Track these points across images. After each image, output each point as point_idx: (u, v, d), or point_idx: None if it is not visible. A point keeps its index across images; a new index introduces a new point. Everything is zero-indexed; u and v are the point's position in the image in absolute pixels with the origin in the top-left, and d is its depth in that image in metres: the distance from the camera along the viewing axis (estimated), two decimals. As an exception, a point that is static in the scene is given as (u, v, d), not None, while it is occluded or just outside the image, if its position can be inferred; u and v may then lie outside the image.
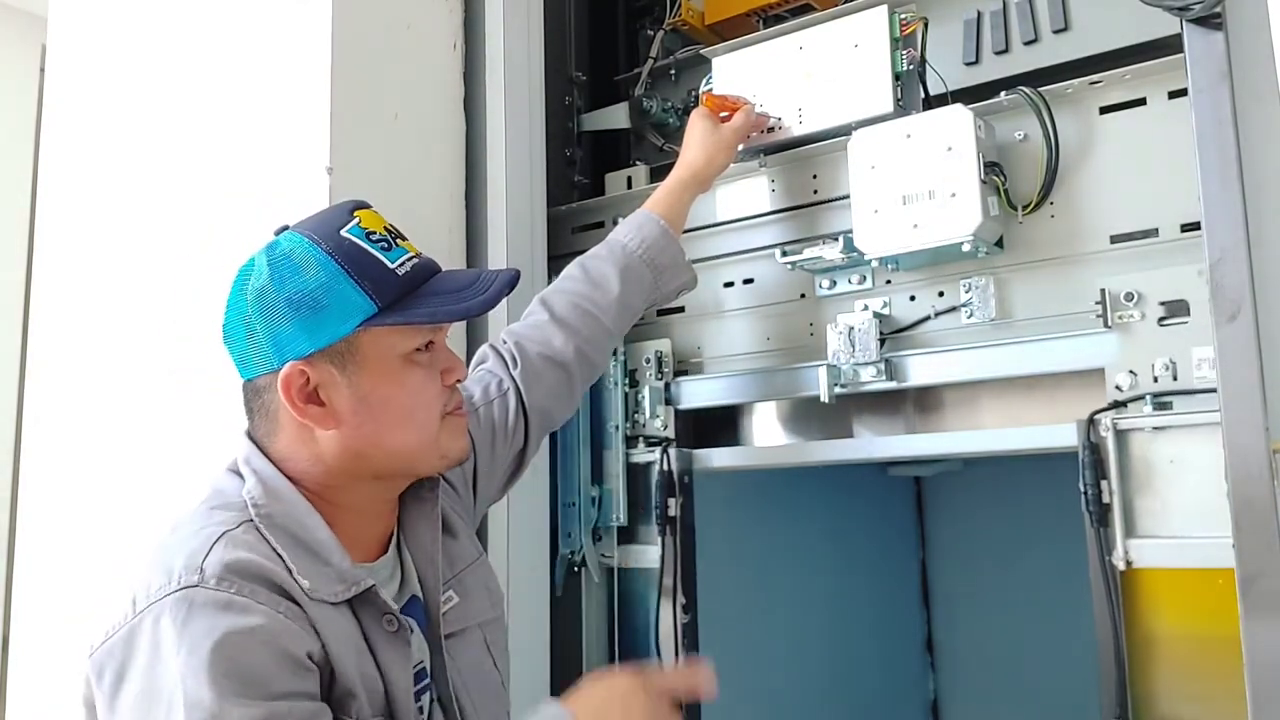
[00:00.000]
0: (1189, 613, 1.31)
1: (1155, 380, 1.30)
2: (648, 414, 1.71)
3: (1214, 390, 1.21)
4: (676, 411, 1.70)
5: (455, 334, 1.65)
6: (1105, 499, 1.31)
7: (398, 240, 1.06)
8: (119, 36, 1.90)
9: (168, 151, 1.76)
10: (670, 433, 1.69)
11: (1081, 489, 1.33)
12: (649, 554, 1.69)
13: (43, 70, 2.14)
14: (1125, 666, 1.31)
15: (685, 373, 1.73)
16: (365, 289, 1.01)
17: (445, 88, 1.73)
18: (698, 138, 1.54)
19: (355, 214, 1.06)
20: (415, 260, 1.06)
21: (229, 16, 1.70)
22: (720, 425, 1.80)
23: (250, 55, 1.66)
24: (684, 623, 1.64)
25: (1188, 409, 1.28)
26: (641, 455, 1.71)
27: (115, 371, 1.79)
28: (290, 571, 0.96)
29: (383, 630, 1.01)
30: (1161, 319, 1.31)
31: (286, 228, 1.07)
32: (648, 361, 1.72)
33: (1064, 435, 1.36)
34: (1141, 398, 1.31)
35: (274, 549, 0.97)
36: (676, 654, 1.63)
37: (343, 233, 1.03)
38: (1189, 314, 1.29)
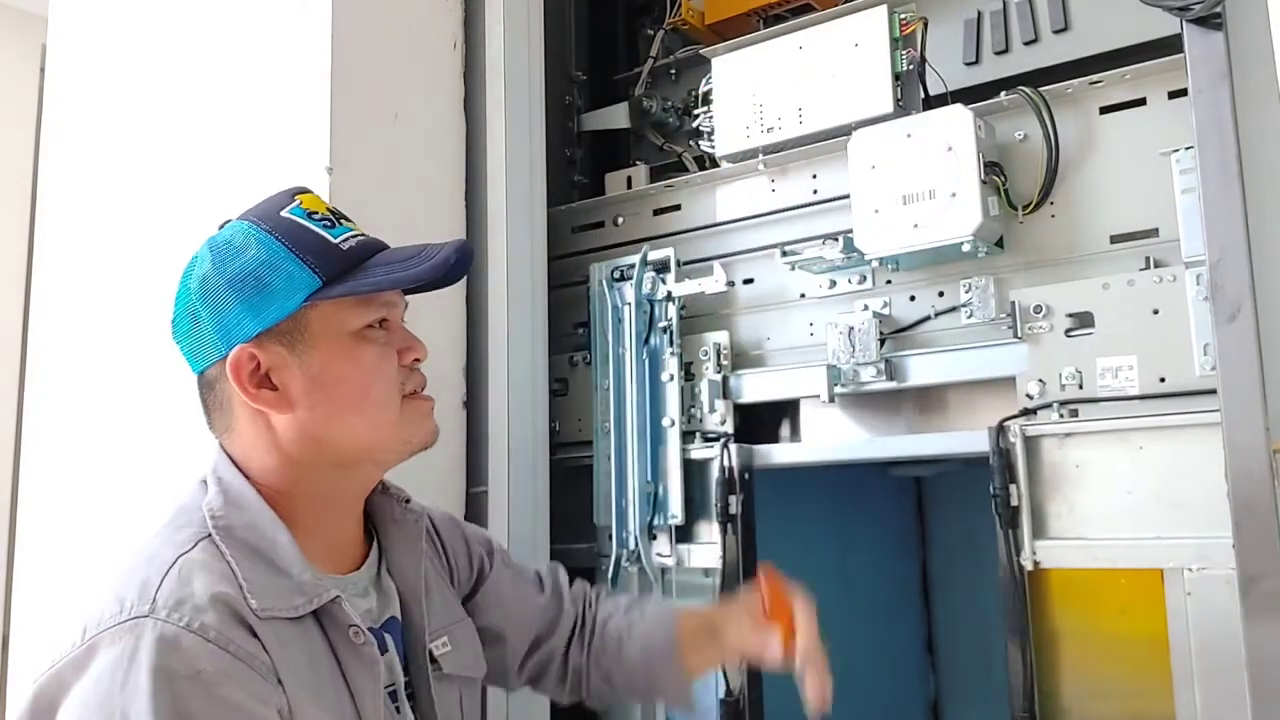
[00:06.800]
0: (1093, 611, 1.37)
1: (1062, 389, 1.35)
2: (706, 408, 1.65)
3: (1116, 399, 1.31)
4: (735, 406, 1.65)
5: (454, 333, 1.66)
6: (1014, 502, 1.37)
7: (341, 220, 1.05)
8: (119, 37, 1.90)
9: (168, 152, 1.76)
10: (729, 428, 1.64)
11: (991, 493, 1.38)
12: (708, 553, 1.62)
13: (43, 70, 2.14)
14: (1032, 664, 1.37)
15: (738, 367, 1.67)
16: (308, 263, 0.99)
17: (445, 88, 1.73)
18: (748, 625, 1.20)
19: (296, 197, 1.05)
20: (360, 237, 1.04)
21: (229, 16, 1.70)
22: (770, 422, 1.73)
23: (250, 55, 1.66)
24: None
25: (1093, 416, 1.33)
26: (699, 451, 1.65)
27: (115, 372, 1.79)
28: (242, 589, 0.92)
29: (350, 644, 0.97)
30: (1068, 330, 1.36)
31: (230, 220, 1.05)
32: (705, 354, 1.67)
33: (978, 441, 1.41)
34: (1049, 405, 1.36)
35: (230, 565, 0.93)
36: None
37: (283, 213, 1.02)
38: (1094, 325, 1.35)
